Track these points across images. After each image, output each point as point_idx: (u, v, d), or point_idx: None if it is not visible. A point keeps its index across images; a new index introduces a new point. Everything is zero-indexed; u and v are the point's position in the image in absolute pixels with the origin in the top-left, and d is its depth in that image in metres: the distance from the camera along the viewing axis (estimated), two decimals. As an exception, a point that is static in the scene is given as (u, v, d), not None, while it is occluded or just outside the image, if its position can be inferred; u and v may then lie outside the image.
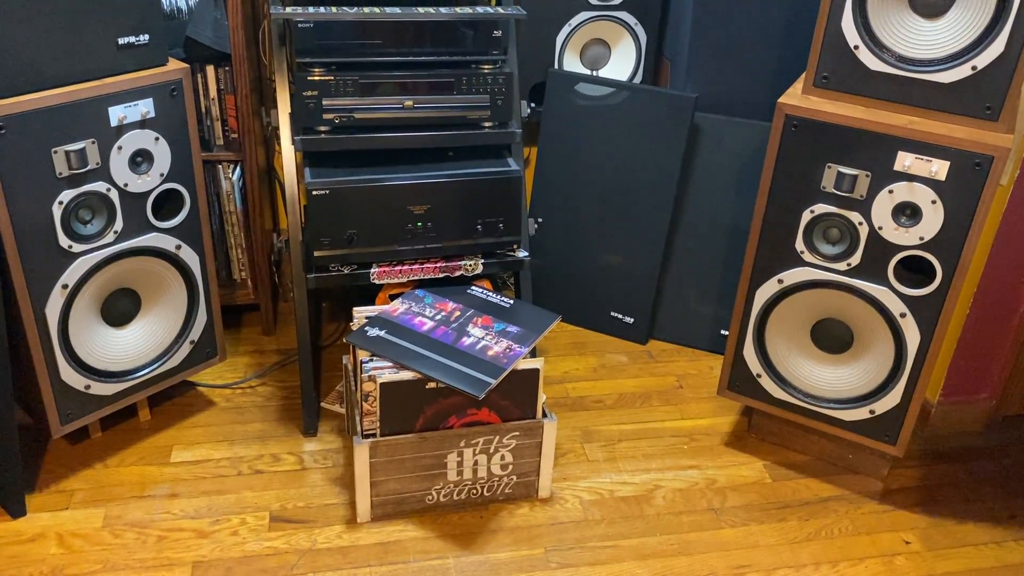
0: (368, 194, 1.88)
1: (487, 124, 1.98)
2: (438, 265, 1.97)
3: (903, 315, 1.76)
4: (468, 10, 1.92)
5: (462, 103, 1.95)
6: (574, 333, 2.51)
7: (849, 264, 1.77)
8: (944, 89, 1.61)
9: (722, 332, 2.43)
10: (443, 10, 1.90)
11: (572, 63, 2.48)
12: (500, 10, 1.95)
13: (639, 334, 2.48)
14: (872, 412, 1.86)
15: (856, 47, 1.65)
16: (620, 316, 2.49)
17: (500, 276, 2.60)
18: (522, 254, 2.05)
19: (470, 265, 1.99)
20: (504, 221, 1.99)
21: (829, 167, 1.72)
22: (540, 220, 2.44)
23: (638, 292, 2.45)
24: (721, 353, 2.40)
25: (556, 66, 2.45)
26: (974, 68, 1.57)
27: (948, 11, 1.57)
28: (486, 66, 1.97)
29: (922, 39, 1.61)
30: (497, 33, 1.95)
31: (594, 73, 2.50)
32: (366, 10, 1.85)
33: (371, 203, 1.89)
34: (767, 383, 1.96)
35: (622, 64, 2.49)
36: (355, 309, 1.92)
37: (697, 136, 2.35)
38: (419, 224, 1.93)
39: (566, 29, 2.40)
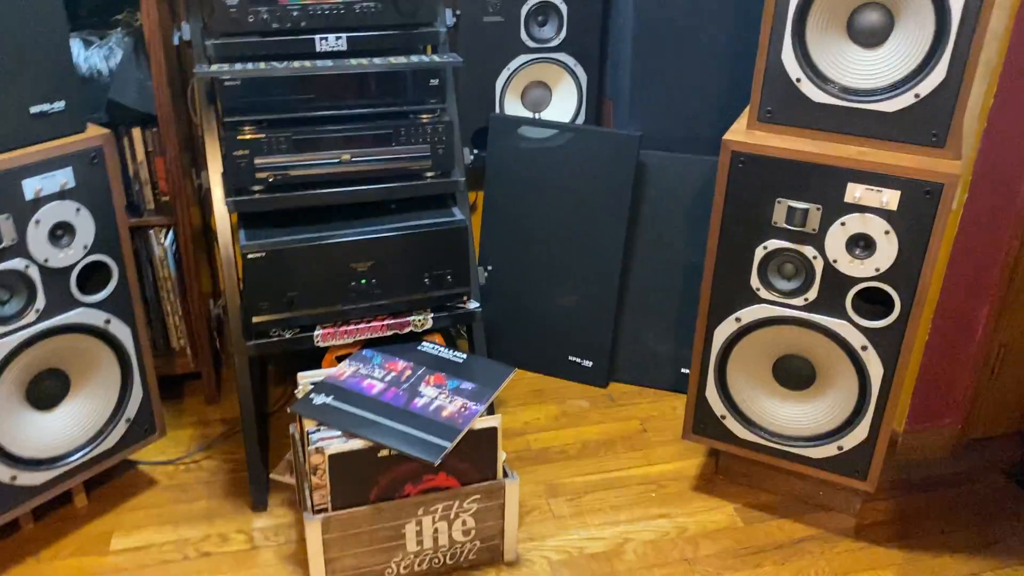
0: (307, 254, 1.79)
1: (429, 174, 1.92)
2: (386, 323, 1.89)
3: (864, 348, 1.72)
4: (403, 60, 1.86)
5: (402, 154, 1.89)
6: (533, 380, 2.44)
7: (806, 299, 1.74)
8: (889, 118, 1.59)
9: (683, 371, 2.38)
10: (377, 61, 1.84)
11: (514, 106, 2.44)
12: (436, 58, 1.90)
13: (599, 377, 2.41)
14: (840, 448, 1.81)
15: (798, 80, 1.62)
16: (579, 360, 2.42)
17: (453, 328, 2.52)
18: (473, 305, 1.97)
19: (419, 321, 1.91)
20: (452, 272, 1.92)
21: (779, 202, 1.69)
22: (490, 268, 2.38)
23: (595, 334, 2.39)
24: (684, 392, 2.35)
25: (497, 110, 2.40)
26: (917, 96, 1.55)
27: (887, 40, 1.56)
28: (425, 115, 1.91)
29: (864, 69, 1.59)
30: (434, 82, 1.89)
31: (536, 116, 2.46)
32: (296, 65, 1.79)
33: (311, 263, 1.80)
34: (732, 424, 1.90)
35: (564, 105, 2.46)
36: (300, 375, 1.82)
37: (644, 174, 2.31)
38: (363, 281, 1.85)
39: (505, 73, 2.36)
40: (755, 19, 2.21)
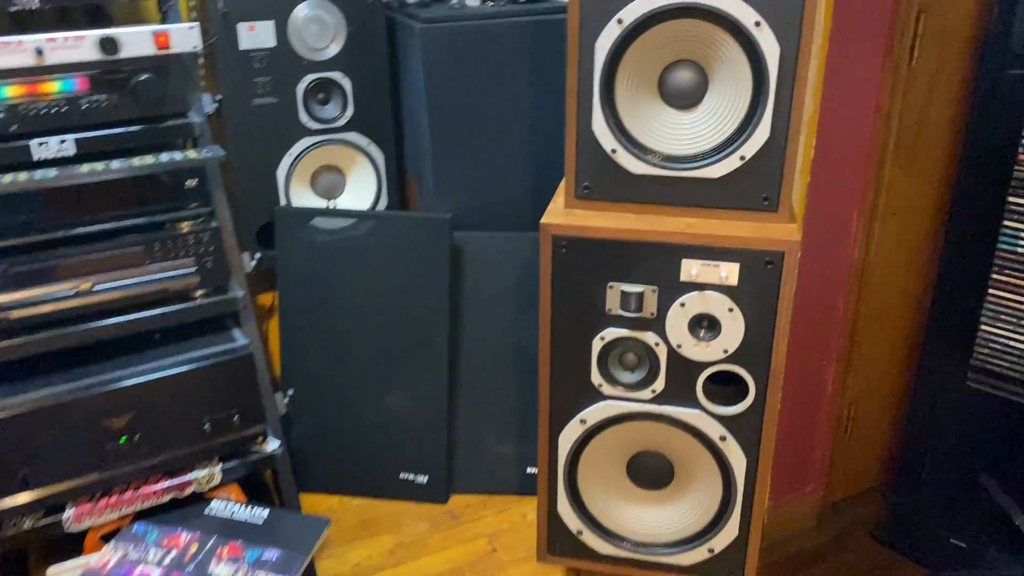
0: (40, 418, 1.40)
1: (198, 293, 1.58)
2: (161, 486, 1.52)
3: (723, 438, 1.53)
4: (150, 160, 1.53)
5: (160, 273, 1.55)
6: (361, 508, 2.11)
7: (654, 391, 1.53)
8: (716, 185, 1.42)
9: (528, 470, 2.14)
10: (116, 164, 1.50)
11: (304, 196, 2.14)
12: (193, 154, 1.58)
13: (437, 493, 2.12)
14: (712, 551, 1.61)
15: (613, 151, 1.43)
16: (412, 476, 2.12)
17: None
18: (272, 445, 1.64)
19: (205, 477, 1.55)
20: (241, 411, 1.58)
21: (611, 287, 1.48)
22: (291, 392, 2.03)
23: (428, 443, 2.10)
24: (532, 495, 2.10)
25: (283, 202, 2.09)
26: (743, 158, 1.40)
27: (703, 100, 1.40)
28: (185, 223, 1.58)
29: (682, 133, 1.42)
30: (192, 182, 1.57)
31: (330, 204, 2.17)
32: (6, 180, 1.41)
33: (48, 428, 1.41)
34: (591, 539, 1.66)
35: (362, 189, 2.19)
36: (50, 570, 1.41)
37: (460, 257, 2.07)
38: (124, 440, 1.48)
39: (287, 160, 2.06)
40: (557, 84, 2.05)
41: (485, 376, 2.11)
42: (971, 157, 1.77)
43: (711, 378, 1.51)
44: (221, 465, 1.57)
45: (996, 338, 1.75)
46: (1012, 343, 1.73)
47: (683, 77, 1.40)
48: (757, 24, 1.31)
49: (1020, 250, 1.68)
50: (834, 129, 1.68)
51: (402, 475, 2.12)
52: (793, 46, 1.32)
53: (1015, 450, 1.93)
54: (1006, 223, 1.68)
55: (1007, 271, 1.70)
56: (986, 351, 1.77)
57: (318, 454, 2.12)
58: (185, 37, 1.56)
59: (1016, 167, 1.64)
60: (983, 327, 1.76)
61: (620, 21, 1.36)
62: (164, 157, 1.55)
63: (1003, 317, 1.73)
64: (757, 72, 1.35)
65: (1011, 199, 1.66)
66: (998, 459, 1.99)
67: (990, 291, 1.73)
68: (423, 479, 2.12)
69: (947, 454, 2.01)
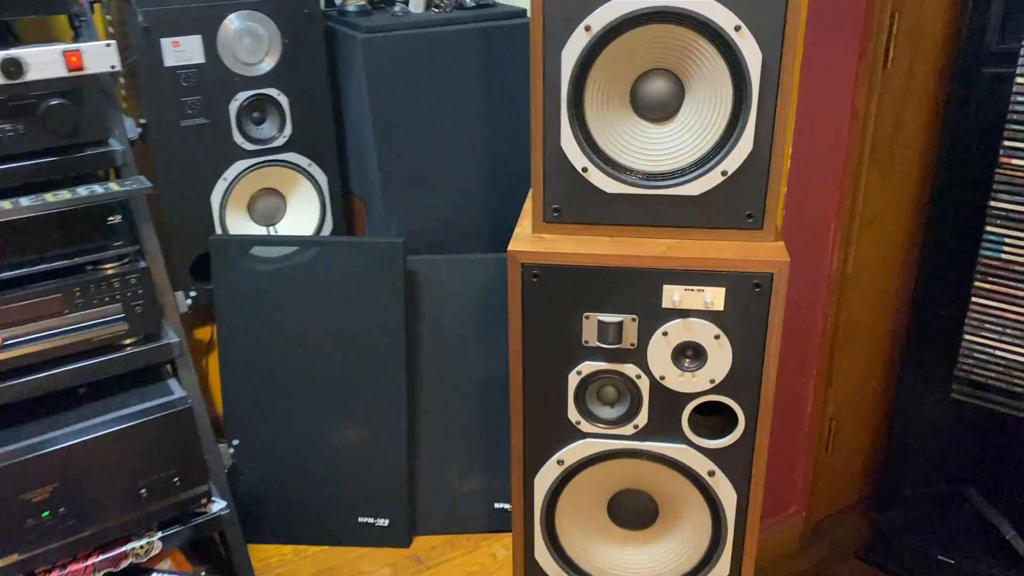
0: (-54, 499, 1.23)
1: (127, 342, 1.42)
2: (92, 562, 1.35)
3: (712, 473, 1.42)
4: (66, 195, 1.36)
5: (82, 323, 1.37)
6: (319, 557, 1.95)
7: (636, 426, 1.42)
8: (697, 202, 1.31)
9: (497, 505, 2.01)
10: (25, 202, 1.33)
11: (241, 223, 1.98)
12: (116, 186, 1.42)
13: (399, 536, 1.98)
14: (703, 592, 1.50)
15: (585, 169, 1.31)
16: (371, 520, 1.97)
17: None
18: (218, 506, 1.48)
19: (142, 547, 1.39)
20: (180, 471, 1.42)
21: (587, 317, 1.36)
22: (236, 442, 1.87)
23: (388, 485, 1.96)
24: (502, 531, 1.98)
25: (219, 231, 1.93)
26: (725, 173, 1.29)
27: (679, 112, 1.29)
28: (109, 265, 1.41)
29: (658, 148, 1.31)
30: (115, 219, 1.40)
31: (271, 230, 2.01)
32: None
33: (-44, 509, 1.23)
34: (572, 585, 1.54)
35: (304, 214, 2.03)
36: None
37: (416, 283, 1.93)
38: (46, 515, 1.30)
39: (221, 185, 1.90)
40: (511, 96, 1.93)
41: (446, 408, 1.98)
42: (948, 160, 1.70)
43: (697, 409, 1.41)
44: (161, 533, 1.41)
45: (980, 348, 1.68)
46: (997, 353, 1.67)
47: (657, 87, 1.28)
48: (737, 29, 1.21)
49: (1004, 256, 1.61)
50: (810, 137, 1.59)
51: (361, 519, 1.98)
52: (776, 52, 1.22)
53: (1000, 461, 1.87)
54: (988, 228, 1.61)
55: (990, 278, 1.63)
56: (970, 362, 1.70)
57: (269, 502, 1.96)
58: (100, 56, 1.40)
59: (998, 170, 1.57)
60: (967, 337, 1.69)
61: (588, 28, 1.24)
62: (82, 191, 1.38)
63: (987, 326, 1.66)
64: (738, 80, 1.24)
65: (993, 203, 1.59)
66: (983, 471, 1.93)
67: (973, 299, 1.67)
68: (384, 522, 1.97)
69: (930, 467, 1.95)
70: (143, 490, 1.36)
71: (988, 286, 1.64)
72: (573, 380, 1.41)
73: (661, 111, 1.29)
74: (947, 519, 1.93)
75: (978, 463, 1.92)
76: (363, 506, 1.98)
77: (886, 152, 1.67)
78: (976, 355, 1.69)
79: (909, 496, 1.96)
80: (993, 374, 1.68)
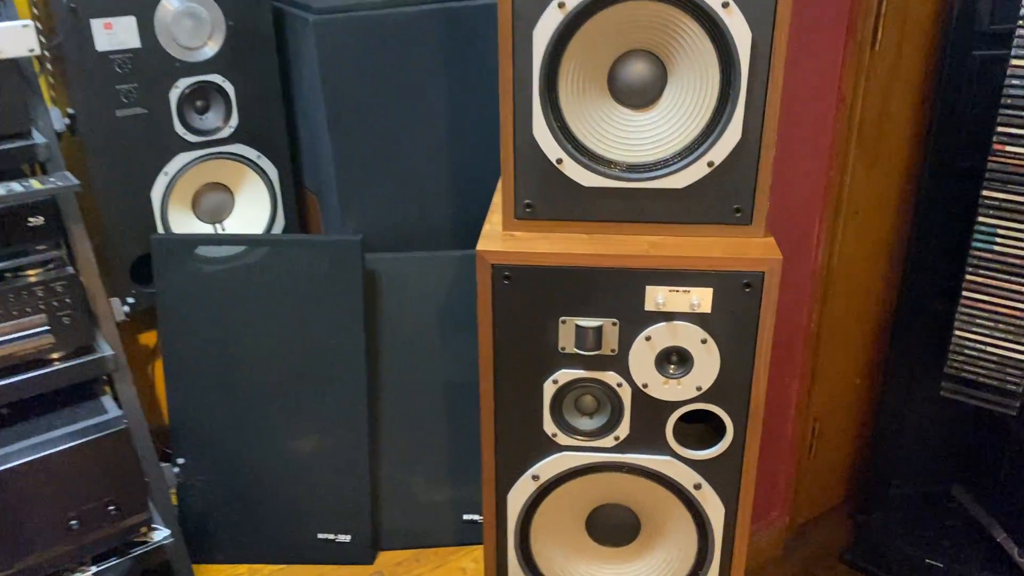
0: None
1: (55, 357, 1.28)
2: (17, 604, 1.21)
3: (698, 487, 1.33)
4: (-21, 193, 1.21)
5: (1, 336, 1.23)
6: (275, 578, 1.83)
7: (617, 438, 1.32)
8: (682, 196, 1.21)
9: (466, 517, 1.90)
10: (-68, 202, 1.18)
11: (185, 221, 1.84)
12: (39, 184, 1.27)
13: (362, 552, 1.86)
14: (689, 611, 1.40)
15: (559, 161, 1.20)
16: (332, 536, 1.85)
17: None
18: (160, 534, 1.35)
19: (74, 585, 1.25)
20: (117, 498, 1.28)
21: (563, 321, 1.25)
22: (182, 461, 1.72)
23: (349, 496, 1.84)
24: (470, 543, 1.87)
25: (160, 230, 1.78)
26: (711, 164, 1.19)
27: (661, 97, 1.18)
28: (32, 271, 1.27)
29: (639, 137, 1.20)
30: (37, 220, 1.26)
31: (218, 229, 1.87)
32: None
33: None
34: (549, 607, 1.44)
35: (254, 210, 1.90)
36: None
37: (375, 283, 1.81)
38: (-38, 554, 1.16)
39: (162, 180, 1.76)
40: (477, 82, 1.81)
41: (411, 416, 1.86)
42: (936, 148, 1.62)
43: (681, 417, 1.31)
44: (96, 567, 1.27)
45: (971, 344, 1.61)
46: (988, 349, 1.59)
47: (638, 70, 1.18)
48: (725, 5, 1.10)
49: (997, 248, 1.53)
50: (794, 123, 1.49)
51: (320, 535, 1.85)
52: (767, 31, 1.12)
53: (989, 460, 1.81)
54: (981, 219, 1.53)
55: (982, 272, 1.56)
56: (961, 358, 1.63)
57: (221, 519, 1.83)
58: (16, 38, 1.25)
59: (990, 157, 1.49)
60: (957, 333, 1.62)
61: (562, 5, 1.12)
62: (0, 190, 1.23)
63: (979, 321, 1.59)
64: (725, 62, 1.14)
65: (986, 193, 1.51)
66: (971, 470, 1.86)
67: (964, 294, 1.59)
68: (345, 538, 1.86)
69: (916, 466, 1.89)
70: (75, 521, 1.23)
71: (980, 279, 1.57)
72: (549, 389, 1.30)
73: (642, 96, 1.18)
74: (934, 520, 1.86)
75: (966, 462, 1.86)
76: (323, 521, 1.85)
77: (872, 139, 1.59)
78: (967, 351, 1.62)
79: (894, 496, 1.89)
80: (984, 371, 1.61)
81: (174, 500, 1.68)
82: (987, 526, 1.80)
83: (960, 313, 1.61)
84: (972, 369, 1.63)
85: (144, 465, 1.35)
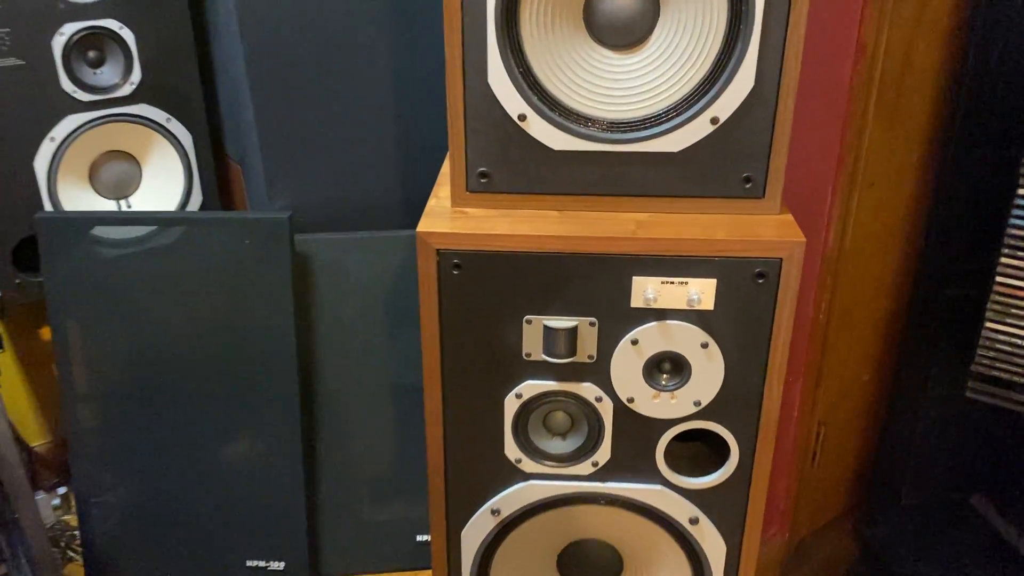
0: None
1: None
2: None
3: (695, 521, 1.09)
4: None
5: None
6: (195, 614, 1.57)
7: (595, 463, 1.07)
8: (677, 162, 0.96)
9: (419, 538, 1.66)
10: None
11: (80, 196, 1.55)
12: None
13: (298, 581, 1.61)
14: (679, 665, 1.17)
15: (522, 117, 0.94)
16: (263, 563, 1.60)
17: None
18: (25, 589, 1.08)
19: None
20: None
21: (529, 321, 1.00)
22: (63, 490, 1.45)
23: (282, 518, 1.59)
24: (426, 567, 1.63)
25: (48, 207, 1.50)
26: (715, 121, 0.94)
27: (652, 35, 0.92)
28: None
29: (624, 87, 0.94)
30: None
31: (123, 205, 1.58)
32: None
33: None
34: (514, 661, 1.19)
35: (165, 183, 1.62)
36: None
37: (308, 268, 1.54)
38: None
39: (48, 146, 1.47)
40: (429, 30, 1.54)
41: (352, 422, 1.61)
42: (967, 107, 1.38)
43: (675, 437, 1.07)
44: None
45: (1005, 338, 1.38)
46: (1025, 343, 1.37)
47: (622, 1, 0.91)
48: (737, -88, 0.85)
49: (1040, 226, 1.30)
50: (805, 76, 1.24)
51: (250, 563, 1.60)
52: (790, -54, 0.87)
53: (1013, 466, 1.60)
54: (1021, 191, 1.30)
55: (1021, 253, 1.33)
56: (992, 354, 1.40)
57: (132, 547, 1.57)
58: None
59: (1036, 118, 1.25)
60: (988, 325, 1.39)
61: (524, -89, 0.86)
62: None
63: (1014, 311, 1.37)
64: (736, -9, 0.88)
65: (1028, 161, 1.27)
66: (992, 478, 1.65)
67: (998, 279, 1.36)
68: (278, 565, 1.61)
69: (930, 473, 1.67)
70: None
71: (1018, 263, 1.34)
72: (511, 405, 1.05)
73: (627, 34, 0.92)
74: (950, 533, 1.66)
75: (987, 469, 1.65)
76: (252, 546, 1.60)
77: (892, 97, 1.34)
78: (999, 346, 1.39)
79: (905, 507, 1.69)
80: (1020, 369, 1.39)
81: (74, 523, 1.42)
82: (1009, 539, 1.60)
83: (992, 302, 1.38)
84: (1005, 367, 1.41)
85: (10, 498, 1.08)
